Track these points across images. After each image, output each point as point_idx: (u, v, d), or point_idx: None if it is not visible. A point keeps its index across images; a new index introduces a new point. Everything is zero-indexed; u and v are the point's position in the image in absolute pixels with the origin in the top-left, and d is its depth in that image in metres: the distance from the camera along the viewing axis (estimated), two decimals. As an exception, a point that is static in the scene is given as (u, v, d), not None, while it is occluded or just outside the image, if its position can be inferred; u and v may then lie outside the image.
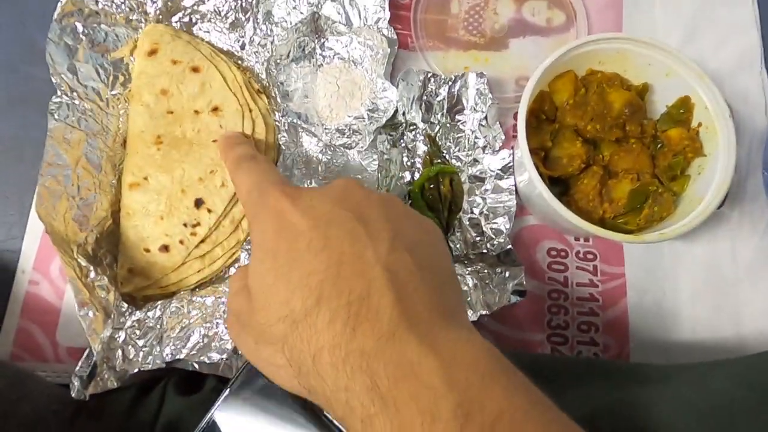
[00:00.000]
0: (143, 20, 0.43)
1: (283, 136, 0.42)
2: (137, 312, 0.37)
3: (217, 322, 0.35)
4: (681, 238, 0.37)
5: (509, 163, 0.40)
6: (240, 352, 0.36)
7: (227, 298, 0.32)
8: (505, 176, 0.40)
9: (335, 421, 0.25)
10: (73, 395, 0.33)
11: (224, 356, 0.34)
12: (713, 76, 0.39)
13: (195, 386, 0.35)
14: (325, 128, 0.42)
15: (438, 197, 0.40)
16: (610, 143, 0.39)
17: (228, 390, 0.27)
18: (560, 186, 0.39)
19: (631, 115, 0.39)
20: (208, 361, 0.34)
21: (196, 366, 0.35)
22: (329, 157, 0.42)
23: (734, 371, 0.28)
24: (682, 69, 0.38)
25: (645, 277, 0.41)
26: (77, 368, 0.34)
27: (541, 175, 0.36)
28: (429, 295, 0.23)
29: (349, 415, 0.21)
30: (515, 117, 0.37)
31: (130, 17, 0.43)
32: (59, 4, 0.41)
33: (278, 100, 0.42)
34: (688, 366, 0.31)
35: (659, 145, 0.39)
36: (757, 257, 0.41)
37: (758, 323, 0.40)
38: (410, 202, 0.41)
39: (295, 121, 0.42)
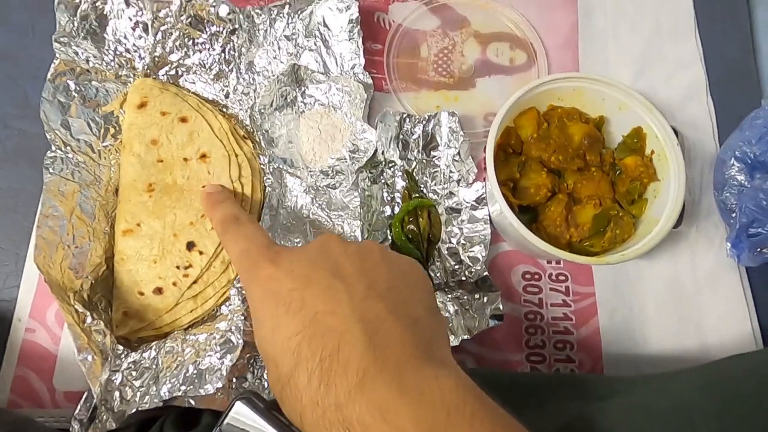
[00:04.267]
0: (132, 75, 0.46)
1: (269, 179, 0.44)
2: (133, 354, 0.38)
3: (209, 355, 0.36)
4: (643, 256, 0.40)
5: (482, 194, 0.43)
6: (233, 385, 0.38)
7: None
8: (480, 207, 0.43)
9: None
10: (73, 439, 0.34)
11: (219, 385, 0.35)
12: (664, 107, 0.42)
13: (191, 423, 0.36)
14: (310, 171, 0.45)
15: (417, 229, 0.43)
16: (573, 172, 0.42)
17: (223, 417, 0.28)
18: (529, 214, 0.42)
19: (590, 145, 0.42)
20: (203, 393, 0.35)
21: (192, 402, 0.36)
22: (313, 196, 0.45)
23: (693, 378, 0.31)
24: (633, 103, 0.42)
25: (613, 295, 0.43)
26: (76, 411, 0.35)
27: (510, 204, 0.39)
28: (401, 336, 0.25)
29: None
30: (485, 150, 0.40)
31: (120, 73, 0.46)
32: (52, 65, 0.43)
33: (263, 145, 0.45)
34: (653, 376, 0.34)
35: (618, 172, 0.43)
36: (715, 269, 0.44)
37: (719, 330, 0.42)
38: (391, 234, 0.44)
39: (280, 166, 0.45)
